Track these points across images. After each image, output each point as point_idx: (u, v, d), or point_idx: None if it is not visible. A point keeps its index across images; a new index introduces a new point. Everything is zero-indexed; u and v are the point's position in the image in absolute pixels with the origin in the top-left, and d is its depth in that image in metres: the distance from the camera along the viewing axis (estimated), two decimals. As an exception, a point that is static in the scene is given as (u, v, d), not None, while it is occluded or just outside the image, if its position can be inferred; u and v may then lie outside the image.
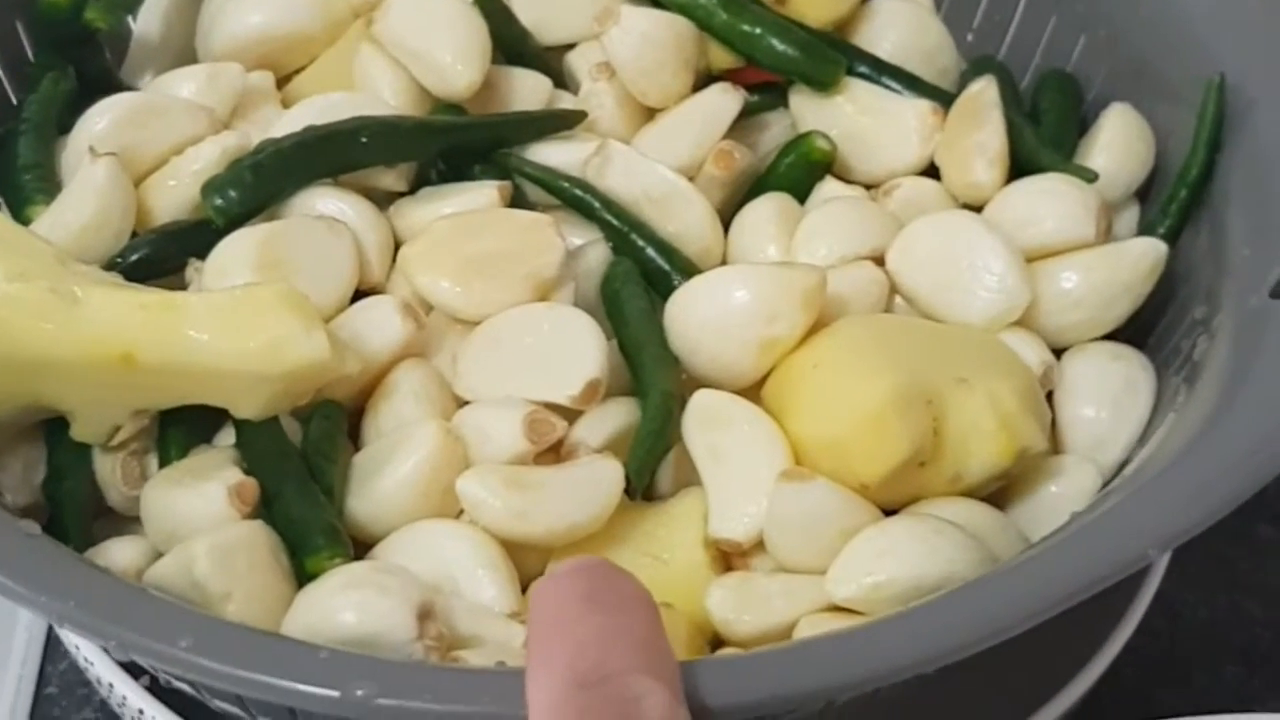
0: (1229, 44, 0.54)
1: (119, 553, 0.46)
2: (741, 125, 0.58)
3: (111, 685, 0.51)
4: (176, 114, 0.55)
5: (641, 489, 0.47)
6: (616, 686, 0.32)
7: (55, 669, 0.61)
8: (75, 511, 0.48)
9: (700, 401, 0.49)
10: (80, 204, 0.52)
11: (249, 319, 0.45)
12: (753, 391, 0.50)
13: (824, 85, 0.58)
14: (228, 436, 0.48)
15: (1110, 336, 0.53)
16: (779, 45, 0.57)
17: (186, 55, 0.61)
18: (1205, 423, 0.44)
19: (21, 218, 0.53)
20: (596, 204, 0.54)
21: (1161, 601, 0.54)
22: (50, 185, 0.54)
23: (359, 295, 0.52)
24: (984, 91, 0.57)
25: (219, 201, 0.51)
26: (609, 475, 0.46)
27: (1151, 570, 0.54)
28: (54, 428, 0.48)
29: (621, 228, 0.54)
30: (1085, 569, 0.39)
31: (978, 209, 0.55)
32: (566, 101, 0.59)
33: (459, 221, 0.52)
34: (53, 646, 0.61)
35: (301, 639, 0.40)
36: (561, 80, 0.60)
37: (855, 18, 0.61)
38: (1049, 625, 0.38)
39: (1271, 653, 0.63)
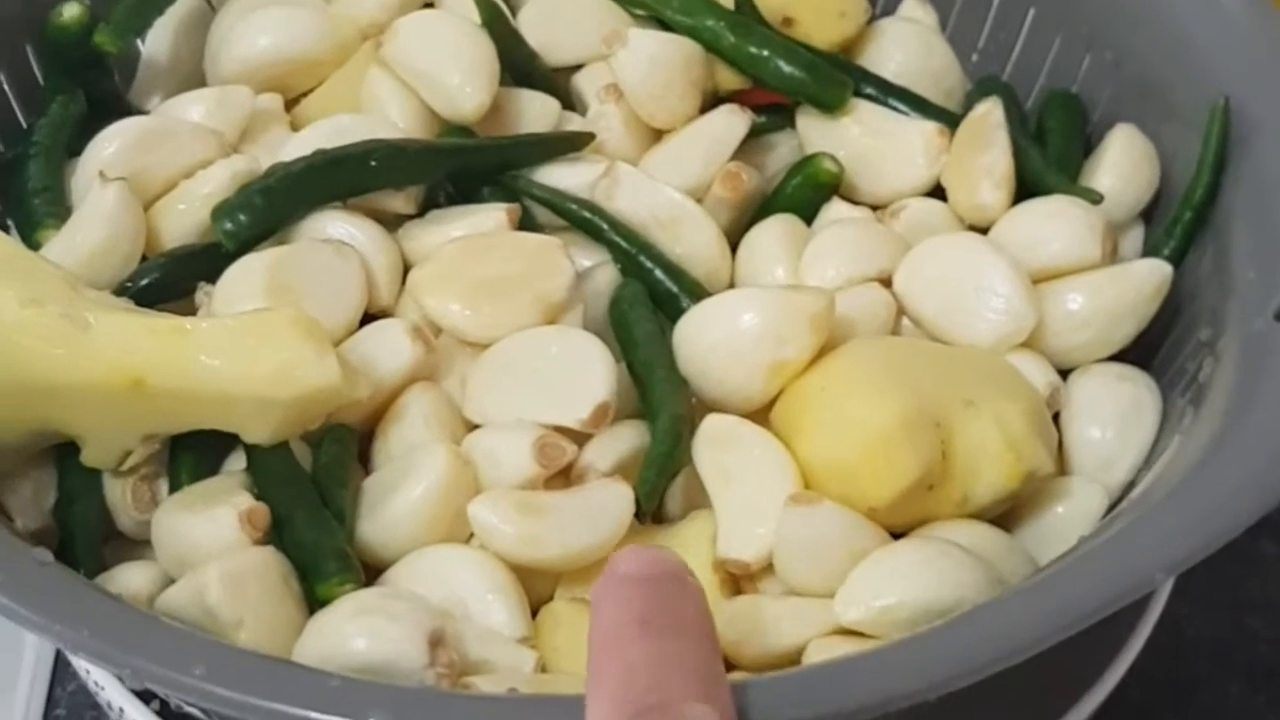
0: (1234, 66, 0.54)
1: (130, 578, 0.46)
2: (749, 146, 0.58)
3: (122, 710, 0.51)
4: (185, 137, 0.55)
5: (651, 512, 0.47)
6: (670, 715, 0.33)
7: (64, 691, 0.61)
8: (86, 536, 0.48)
9: (710, 425, 0.49)
10: (90, 228, 0.52)
11: (260, 344, 0.45)
12: (761, 414, 0.50)
13: (831, 107, 0.58)
14: (238, 461, 0.48)
15: (1116, 358, 0.53)
16: (786, 67, 0.58)
17: (195, 78, 0.61)
18: (1211, 445, 0.44)
19: (32, 242, 0.53)
20: (605, 226, 0.54)
21: (1166, 620, 0.54)
22: (60, 209, 0.54)
23: (368, 319, 0.52)
24: (990, 113, 0.57)
25: (229, 225, 0.51)
26: (619, 499, 0.47)
27: (1157, 590, 0.54)
28: (64, 452, 0.48)
29: (630, 250, 0.54)
30: (1093, 594, 0.39)
31: (984, 230, 0.55)
32: (574, 123, 0.59)
33: (468, 244, 0.52)
34: (61, 669, 0.61)
35: (314, 666, 0.40)
36: (569, 102, 0.60)
37: (861, 39, 0.62)
38: (1056, 647, 0.38)
39: (1276, 670, 0.63)
